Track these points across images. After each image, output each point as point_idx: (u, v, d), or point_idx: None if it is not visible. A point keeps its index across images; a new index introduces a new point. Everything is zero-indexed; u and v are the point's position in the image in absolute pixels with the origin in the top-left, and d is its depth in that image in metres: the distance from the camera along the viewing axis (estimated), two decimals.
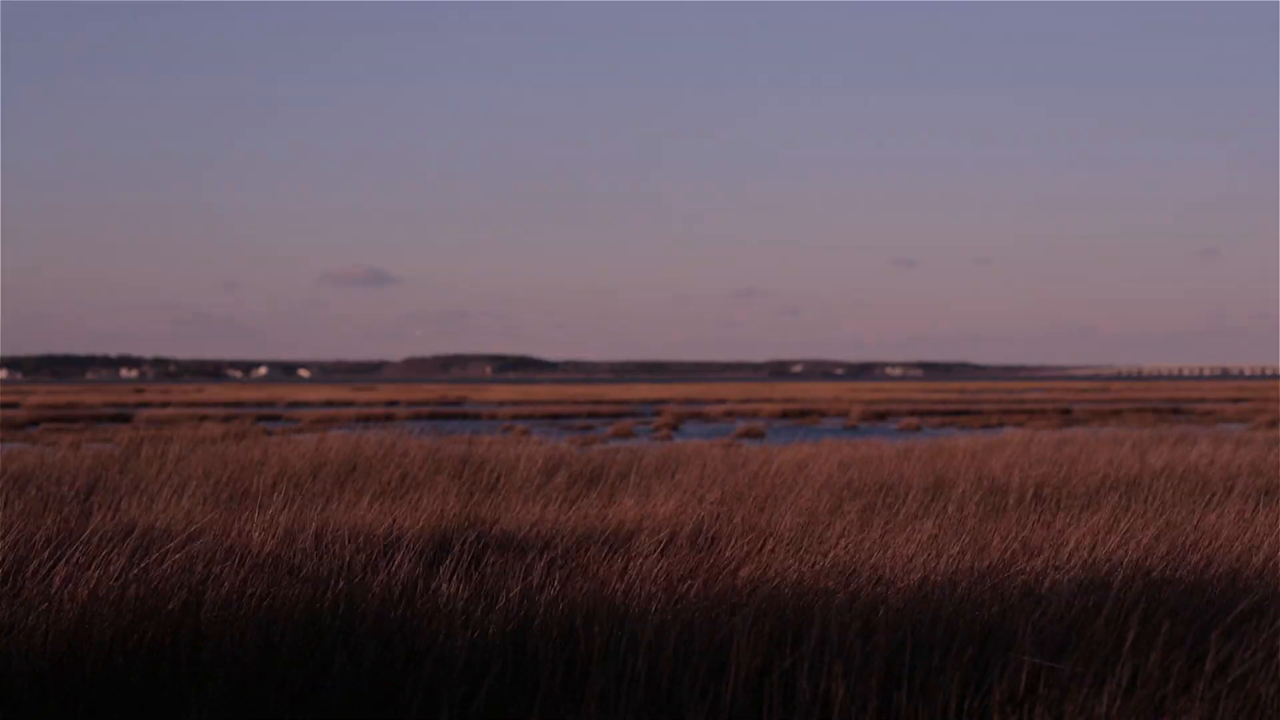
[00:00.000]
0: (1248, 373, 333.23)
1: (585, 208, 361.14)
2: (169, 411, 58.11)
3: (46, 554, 6.96)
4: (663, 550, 8.39)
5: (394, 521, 9.80)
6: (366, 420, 52.28)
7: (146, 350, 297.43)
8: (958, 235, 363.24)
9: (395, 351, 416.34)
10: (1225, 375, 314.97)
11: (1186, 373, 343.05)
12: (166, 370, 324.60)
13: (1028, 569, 7.48)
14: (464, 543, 8.10)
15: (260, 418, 53.97)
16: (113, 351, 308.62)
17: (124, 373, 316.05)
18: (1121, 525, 9.17)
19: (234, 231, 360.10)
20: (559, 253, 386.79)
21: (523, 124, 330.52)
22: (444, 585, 6.75)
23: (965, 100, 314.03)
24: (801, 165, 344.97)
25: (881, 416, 59.53)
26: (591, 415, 62.13)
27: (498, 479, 13.97)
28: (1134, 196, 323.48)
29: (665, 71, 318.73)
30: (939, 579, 7.09)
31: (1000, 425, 50.21)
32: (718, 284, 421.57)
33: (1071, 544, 8.28)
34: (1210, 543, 8.49)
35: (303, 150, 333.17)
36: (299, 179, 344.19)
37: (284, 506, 10.17)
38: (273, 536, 8.72)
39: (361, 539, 8.73)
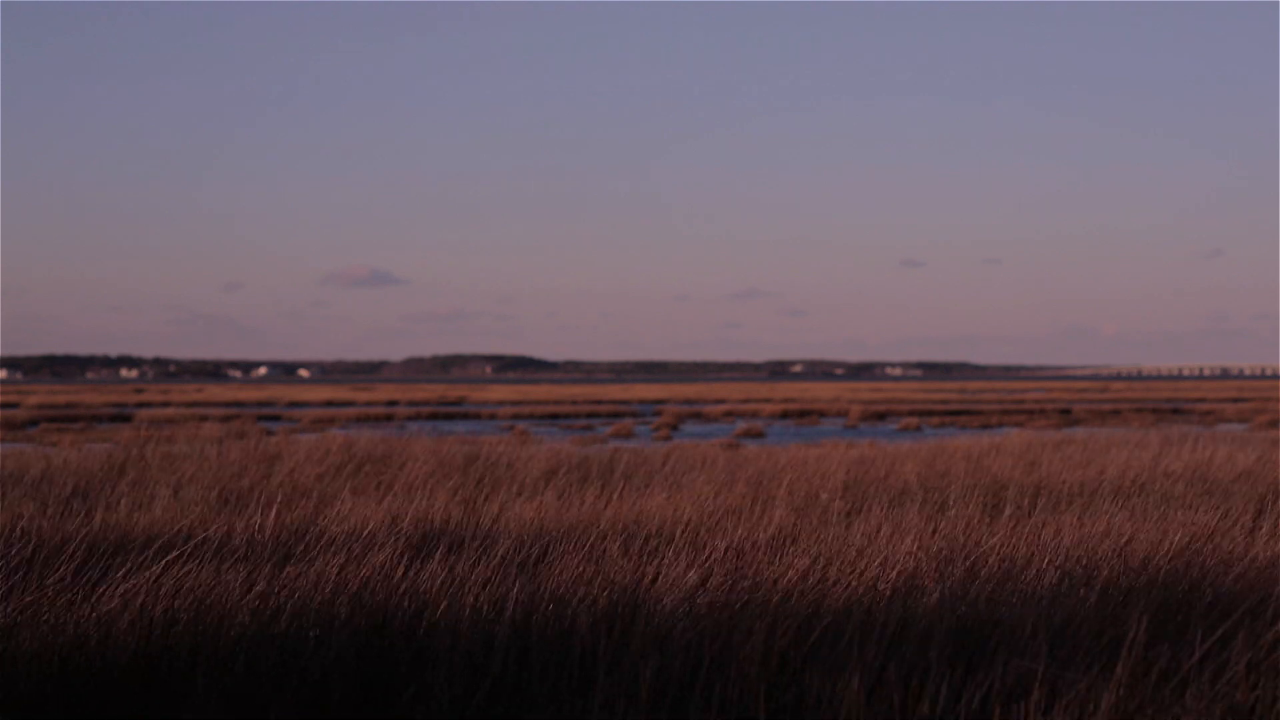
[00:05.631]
0: (1248, 373, 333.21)
1: (585, 208, 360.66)
2: (169, 411, 58.09)
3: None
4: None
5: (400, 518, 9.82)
6: (366, 420, 52.34)
7: (146, 350, 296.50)
8: (967, 236, 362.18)
9: (395, 351, 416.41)
10: (1225, 375, 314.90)
11: (1186, 373, 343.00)
12: (166, 370, 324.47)
13: (1030, 568, 7.49)
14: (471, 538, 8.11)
15: (260, 417, 53.98)
16: (113, 351, 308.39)
17: (124, 373, 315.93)
18: (1125, 525, 9.18)
19: (234, 231, 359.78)
20: (559, 253, 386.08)
21: (523, 124, 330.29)
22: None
23: (970, 101, 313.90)
24: (803, 166, 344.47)
25: (881, 416, 59.55)
26: (591, 415, 62.11)
27: (508, 476, 13.98)
28: (1134, 197, 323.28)
29: (666, 71, 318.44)
30: (935, 576, 7.10)
31: (1000, 425, 50.26)
32: (718, 284, 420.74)
33: (1070, 543, 8.29)
34: (1211, 543, 8.50)
35: (303, 150, 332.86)
36: (299, 179, 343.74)
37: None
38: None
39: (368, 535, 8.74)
